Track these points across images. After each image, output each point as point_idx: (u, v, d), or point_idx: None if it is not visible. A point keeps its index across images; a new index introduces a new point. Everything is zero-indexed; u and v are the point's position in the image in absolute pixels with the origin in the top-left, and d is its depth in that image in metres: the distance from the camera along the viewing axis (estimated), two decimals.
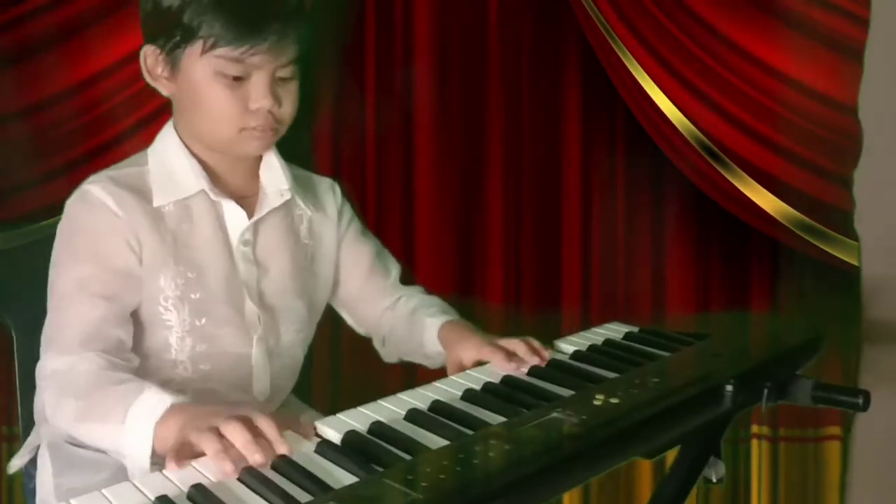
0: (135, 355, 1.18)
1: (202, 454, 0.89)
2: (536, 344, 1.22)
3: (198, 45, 1.14)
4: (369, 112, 2.09)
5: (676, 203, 2.09)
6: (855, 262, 1.96)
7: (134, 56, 1.26)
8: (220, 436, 0.89)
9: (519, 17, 2.09)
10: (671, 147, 1.99)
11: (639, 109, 2.00)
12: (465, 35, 2.09)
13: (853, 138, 1.94)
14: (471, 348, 1.23)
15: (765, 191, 1.93)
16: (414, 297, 1.43)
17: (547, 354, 1.20)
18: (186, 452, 0.91)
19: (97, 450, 1.17)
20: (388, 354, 1.46)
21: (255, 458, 0.87)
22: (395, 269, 1.46)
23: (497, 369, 1.17)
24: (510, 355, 1.19)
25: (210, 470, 0.87)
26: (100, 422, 1.04)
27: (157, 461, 0.97)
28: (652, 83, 1.93)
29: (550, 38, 2.09)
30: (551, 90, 2.10)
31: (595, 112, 2.10)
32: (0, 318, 1.38)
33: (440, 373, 1.25)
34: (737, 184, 1.94)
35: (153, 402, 1.00)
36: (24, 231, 1.42)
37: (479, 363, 1.21)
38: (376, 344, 1.47)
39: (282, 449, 0.90)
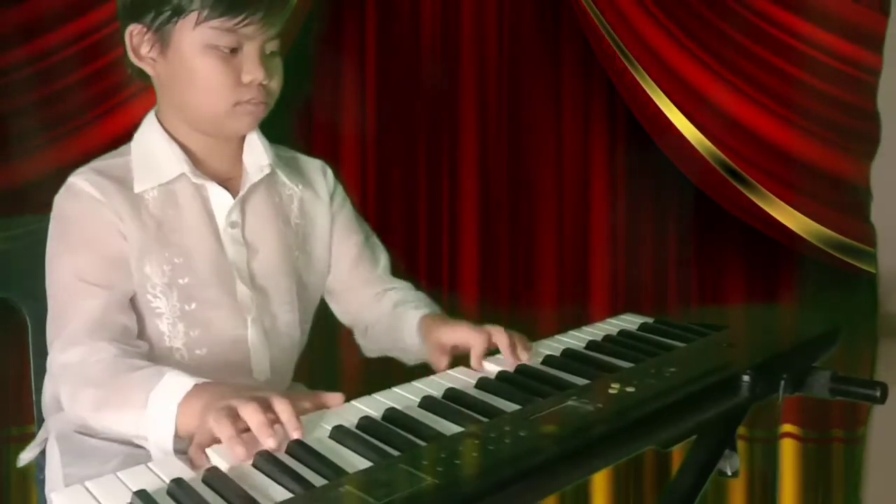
0: (143, 341, 1.18)
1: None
2: (518, 340, 1.17)
3: (189, 19, 1.14)
4: (369, 97, 2.09)
5: (690, 199, 2.07)
6: (872, 270, 1.93)
7: None
8: (237, 417, 0.89)
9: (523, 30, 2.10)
10: (684, 163, 1.97)
11: (653, 129, 1.98)
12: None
13: (871, 141, 1.92)
14: (449, 331, 1.23)
15: (783, 203, 1.88)
16: (400, 292, 1.41)
17: (525, 356, 1.16)
18: (208, 437, 0.90)
19: (109, 439, 1.16)
20: (369, 348, 1.44)
21: (269, 442, 0.87)
22: (383, 259, 1.44)
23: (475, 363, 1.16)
24: (490, 341, 1.16)
25: (225, 455, 0.87)
26: (121, 408, 1.05)
27: (180, 445, 0.97)
28: (664, 96, 1.90)
29: (555, 38, 2.10)
30: (557, 89, 2.11)
31: (608, 113, 2.10)
32: (16, 305, 1.38)
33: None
34: (753, 198, 1.89)
35: (174, 386, 1.00)
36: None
37: (456, 347, 1.21)
38: (357, 336, 1.45)
39: (295, 434, 0.90)
